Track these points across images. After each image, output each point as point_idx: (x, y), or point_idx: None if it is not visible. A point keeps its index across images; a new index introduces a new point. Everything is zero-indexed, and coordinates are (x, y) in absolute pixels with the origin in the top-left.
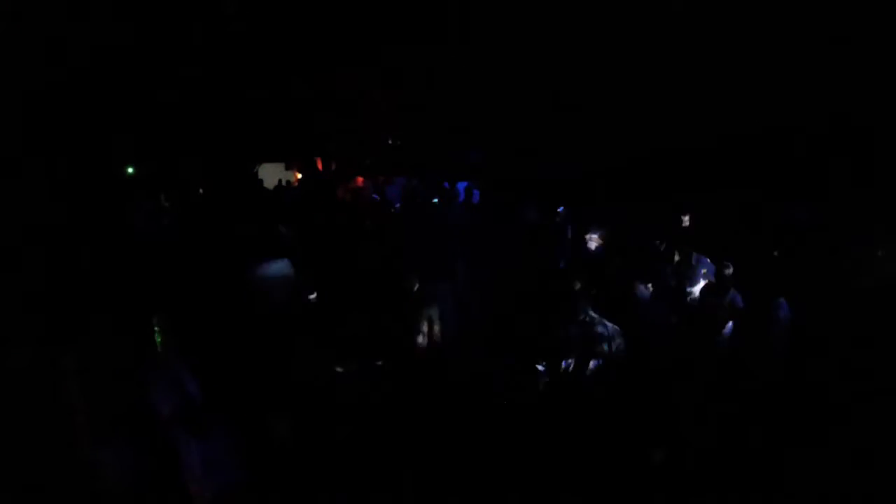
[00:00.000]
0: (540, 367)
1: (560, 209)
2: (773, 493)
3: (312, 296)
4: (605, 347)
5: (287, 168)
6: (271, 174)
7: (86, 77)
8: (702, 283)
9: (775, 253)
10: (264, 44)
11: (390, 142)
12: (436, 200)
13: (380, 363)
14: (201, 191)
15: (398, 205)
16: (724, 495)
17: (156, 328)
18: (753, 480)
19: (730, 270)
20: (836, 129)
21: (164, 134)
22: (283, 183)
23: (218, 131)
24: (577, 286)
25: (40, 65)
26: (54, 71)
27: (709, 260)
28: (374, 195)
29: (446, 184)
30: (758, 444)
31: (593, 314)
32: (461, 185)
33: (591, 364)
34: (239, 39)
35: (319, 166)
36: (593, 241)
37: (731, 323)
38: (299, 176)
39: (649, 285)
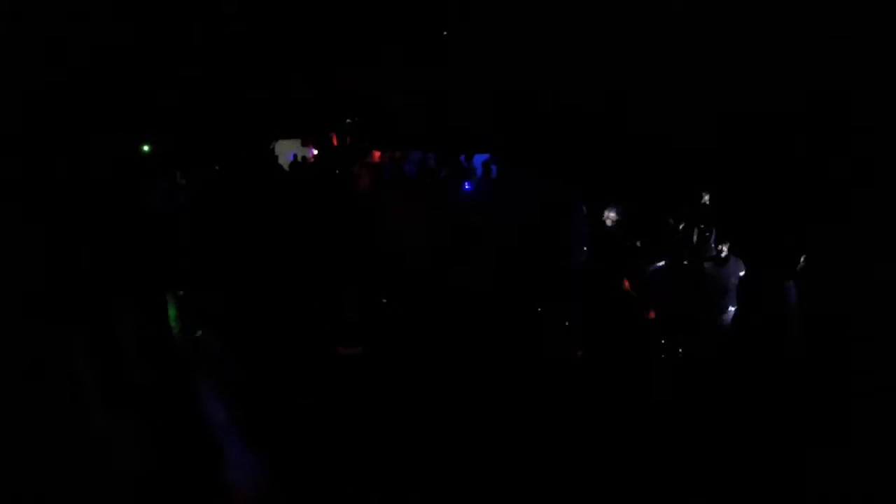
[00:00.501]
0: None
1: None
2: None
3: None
4: None
5: (303, 144)
6: (287, 150)
7: (100, 56)
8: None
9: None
10: (277, 25)
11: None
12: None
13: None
14: (217, 168)
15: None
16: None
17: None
18: (757, 470)
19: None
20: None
21: (178, 110)
22: (300, 159)
23: (233, 107)
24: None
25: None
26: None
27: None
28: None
29: (462, 158)
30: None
31: None
32: (478, 160)
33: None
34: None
35: (335, 142)
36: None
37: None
38: (315, 152)
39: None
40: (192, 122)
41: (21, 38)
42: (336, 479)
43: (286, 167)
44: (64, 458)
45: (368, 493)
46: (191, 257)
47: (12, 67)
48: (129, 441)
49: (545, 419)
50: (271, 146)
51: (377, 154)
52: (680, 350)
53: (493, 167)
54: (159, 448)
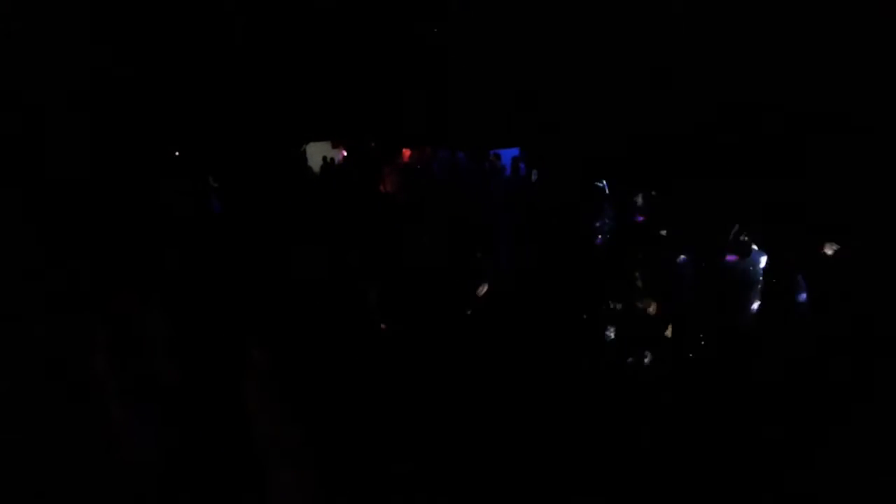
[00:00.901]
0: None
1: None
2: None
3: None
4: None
5: (333, 146)
6: (317, 152)
7: (128, 55)
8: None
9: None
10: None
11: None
12: None
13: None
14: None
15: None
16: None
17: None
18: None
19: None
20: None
21: (208, 114)
22: (329, 160)
23: (264, 109)
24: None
25: (82, 46)
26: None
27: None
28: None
29: (493, 152)
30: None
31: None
32: (508, 156)
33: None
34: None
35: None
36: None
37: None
38: (345, 153)
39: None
40: (221, 124)
41: (39, 41)
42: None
43: (318, 169)
44: (76, 452)
45: None
46: (219, 258)
47: (34, 70)
48: (149, 439)
49: (552, 417)
50: (302, 149)
51: (407, 153)
52: (698, 346)
53: (522, 165)
54: (185, 448)
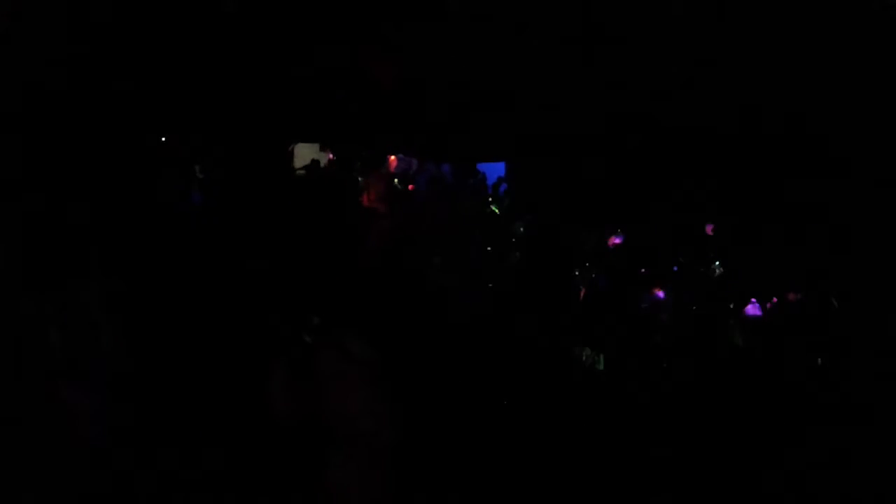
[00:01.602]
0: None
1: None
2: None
3: None
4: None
5: (321, 149)
6: (306, 155)
7: (118, 46)
8: None
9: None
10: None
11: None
12: None
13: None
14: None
15: None
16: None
17: None
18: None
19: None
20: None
21: (198, 106)
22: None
23: (254, 107)
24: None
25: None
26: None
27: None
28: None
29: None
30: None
31: None
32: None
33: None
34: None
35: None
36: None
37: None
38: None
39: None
40: (212, 118)
41: (30, 35)
42: None
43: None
44: (29, 437)
45: None
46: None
47: (20, 62)
48: (91, 413)
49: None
50: (290, 148)
51: (393, 161)
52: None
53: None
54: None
